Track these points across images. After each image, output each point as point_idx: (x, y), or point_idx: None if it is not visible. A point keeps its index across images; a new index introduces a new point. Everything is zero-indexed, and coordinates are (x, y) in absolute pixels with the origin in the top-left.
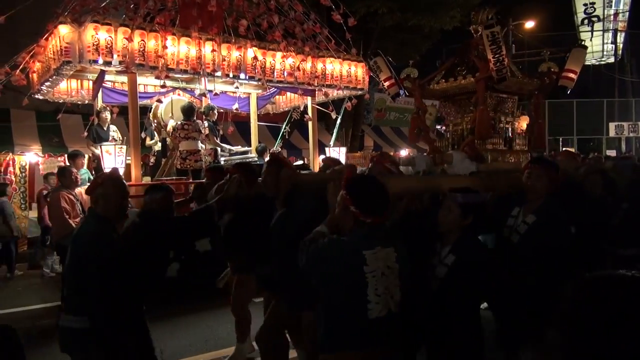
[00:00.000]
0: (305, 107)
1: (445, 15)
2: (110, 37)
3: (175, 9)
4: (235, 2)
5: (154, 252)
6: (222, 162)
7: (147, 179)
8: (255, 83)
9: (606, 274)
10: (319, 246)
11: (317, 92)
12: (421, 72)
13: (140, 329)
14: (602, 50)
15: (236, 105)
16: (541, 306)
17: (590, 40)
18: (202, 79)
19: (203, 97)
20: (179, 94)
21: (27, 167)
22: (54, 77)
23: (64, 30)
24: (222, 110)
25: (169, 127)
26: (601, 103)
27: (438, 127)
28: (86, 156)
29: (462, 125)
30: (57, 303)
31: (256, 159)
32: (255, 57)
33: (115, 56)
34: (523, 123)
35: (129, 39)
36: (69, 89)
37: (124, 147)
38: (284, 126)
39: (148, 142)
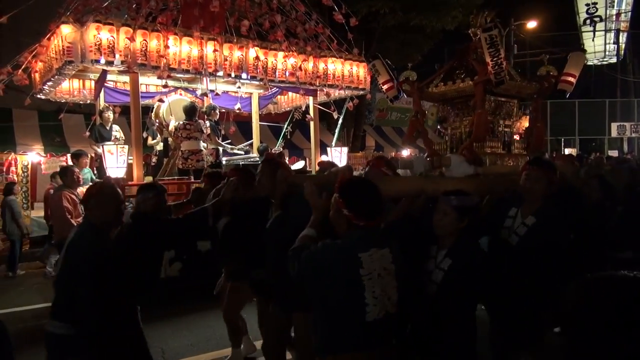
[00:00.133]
0: (307, 107)
1: (447, 15)
2: (113, 36)
3: (177, 9)
4: (237, 2)
5: (146, 253)
6: (224, 162)
7: (148, 179)
8: (257, 83)
9: (607, 275)
10: (313, 251)
11: (318, 92)
12: (423, 73)
13: (133, 330)
14: (604, 51)
15: (238, 105)
16: (540, 307)
17: (593, 40)
18: (204, 78)
19: (205, 97)
20: (180, 94)
21: (29, 166)
22: (56, 76)
23: (67, 30)
24: (223, 110)
25: (171, 127)
26: (603, 103)
27: (440, 126)
28: (89, 156)
29: (461, 128)
30: None
31: (258, 158)
32: (257, 57)
33: (117, 56)
34: (525, 123)
35: (131, 39)
36: (71, 88)
37: (126, 146)
38: (285, 126)
39: (150, 141)
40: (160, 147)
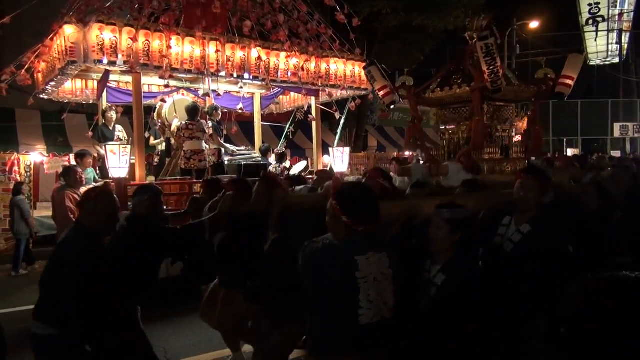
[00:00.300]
0: (309, 107)
1: (449, 15)
2: (115, 37)
3: (180, 9)
4: (240, 2)
5: (141, 255)
6: (226, 162)
7: (151, 179)
8: (259, 83)
9: (609, 276)
10: (313, 250)
11: (321, 92)
12: (425, 73)
13: (132, 331)
14: (607, 51)
15: (240, 105)
16: (536, 313)
17: (595, 40)
18: (206, 79)
19: (207, 97)
20: (183, 94)
21: (32, 166)
22: (59, 77)
23: (69, 30)
24: (226, 110)
25: (173, 127)
26: (606, 103)
27: (442, 127)
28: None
29: (459, 134)
30: None
31: (260, 159)
32: (259, 57)
33: (119, 56)
34: (526, 123)
35: (134, 39)
36: (73, 88)
37: (129, 146)
38: (287, 126)
39: (152, 141)
40: (162, 147)
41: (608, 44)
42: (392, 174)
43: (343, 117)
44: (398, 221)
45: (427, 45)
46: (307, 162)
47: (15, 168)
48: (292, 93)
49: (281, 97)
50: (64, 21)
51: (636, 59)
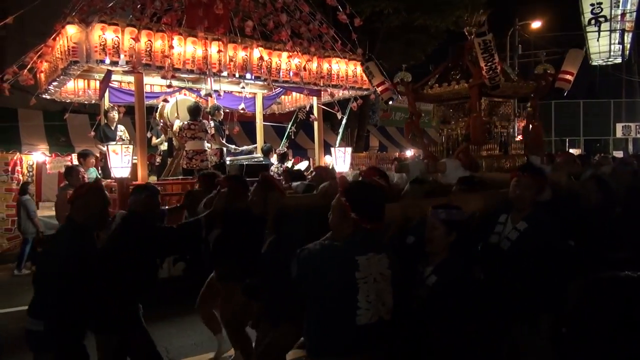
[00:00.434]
0: (311, 107)
1: (451, 15)
2: (117, 37)
3: (182, 9)
4: (242, 2)
5: (137, 253)
6: (228, 162)
7: (153, 179)
8: (261, 83)
9: (610, 275)
10: (312, 251)
11: (322, 92)
12: (426, 73)
13: (135, 329)
14: (609, 51)
15: (242, 105)
16: (533, 310)
17: (597, 40)
18: (208, 79)
19: (209, 97)
20: (185, 94)
21: (34, 166)
22: (62, 77)
23: (72, 31)
24: (228, 110)
25: (175, 127)
26: (608, 104)
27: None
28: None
29: (457, 130)
30: None
31: (262, 158)
32: (261, 57)
33: (122, 56)
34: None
35: (136, 39)
36: (76, 88)
37: (131, 146)
38: (289, 126)
39: (154, 141)
40: (164, 147)
41: (610, 44)
42: (392, 173)
43: (345, 117)
44: (395, 222)
45: (429, 45)
46: (309, 162)
47: (18, 168)
48: (293, 93)
49: (283, 97)
50: (66, 21)
51: (639, 59)
